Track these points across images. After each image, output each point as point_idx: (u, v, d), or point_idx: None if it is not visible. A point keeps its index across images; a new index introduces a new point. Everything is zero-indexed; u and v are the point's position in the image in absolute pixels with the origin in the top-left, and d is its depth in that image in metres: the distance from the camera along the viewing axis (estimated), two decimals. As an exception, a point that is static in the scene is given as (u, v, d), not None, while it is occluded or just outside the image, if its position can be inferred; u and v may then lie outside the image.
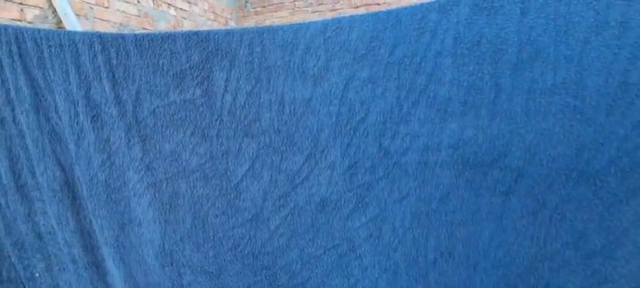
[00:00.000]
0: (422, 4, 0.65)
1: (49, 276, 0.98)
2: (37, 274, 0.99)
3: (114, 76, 0.81)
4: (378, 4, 3.84)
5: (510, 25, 0.62)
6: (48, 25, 2.27)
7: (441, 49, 0.65)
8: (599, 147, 0.63)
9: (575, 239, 0.67)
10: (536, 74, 0.62)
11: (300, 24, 0.71)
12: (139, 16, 3.07)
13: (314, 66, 0.71)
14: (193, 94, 0.79)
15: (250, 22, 4.38)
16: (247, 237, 0.81)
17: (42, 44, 0.84)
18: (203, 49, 0.77)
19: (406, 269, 0.73)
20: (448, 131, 0.67)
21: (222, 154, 0.79)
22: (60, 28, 2.31)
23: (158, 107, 0.81)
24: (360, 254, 0.75)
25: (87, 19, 2.57)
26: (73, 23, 2.27)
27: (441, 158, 0.68)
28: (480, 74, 0.64)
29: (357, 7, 3.93)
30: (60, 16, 2.29)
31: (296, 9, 4.19)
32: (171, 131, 0.81)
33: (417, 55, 0.66)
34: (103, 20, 2.70)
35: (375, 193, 0.73)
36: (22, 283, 1.00)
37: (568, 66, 0.61)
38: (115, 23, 2.81)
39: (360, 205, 0.74)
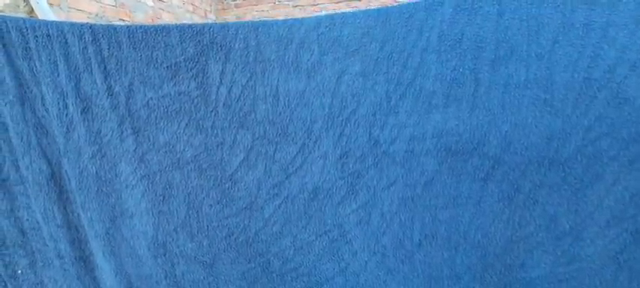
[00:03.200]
0: (409, 3, 0.69)
1: (33, 273, 0.96)
2: (20, 272, 0.97)
3: (106, 68, 0.81)
4: (359, -1, 3.90)
5: (488, 24, 0.68)
6: (20, 15, 2.18)
7: (426, 46, 0.70)
8: (566, 137, 0.70)
9: (546, 222, 0.73)
10: (511, 70, 0.68)
11: (294, 19, 0.74)
12: (115, 6, 2.99)
13: (308, 60, 0.75)
14: (188, 87, 0.80)
15: (230, 15, 4.33)
16: (241, 226, 0.83)
17: (28, 35, 0.82)
18: (198, 42, 0.79)
19: (393, 251, 0.78)
20: (432, 122, 0.72)
21: (217, 146, 0.81)
22: (32, 17, 2.23)
23: (152, 99, 0.81)
24: (350, 239, 0.79)
25: (60, 8, 2.48)
26: (45, 12, 2.20)
27: (425, 147, 0.73)
28: (461, 69, 0.70)
29: (338, 2, 3.97)
30: (32, 4, 2.20)
31: (277, 3, 4.18)
32: (166, 123, 0.82)
33: (405, 51, 0.71)
34: (78, 10, 2.62)
35: (364, 181, 0.77)
36: (3, 281, 0.97)
37: (539, 63, 0.67)
38: (90, 13, 2.73)
39: (350, 192, 0.78)
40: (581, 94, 0.67)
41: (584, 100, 0.67)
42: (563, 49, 0.66)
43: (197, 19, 3.96)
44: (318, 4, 4.03)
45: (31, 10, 2.30)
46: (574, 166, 0.70)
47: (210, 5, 4.29)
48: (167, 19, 3.53)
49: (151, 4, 3.35)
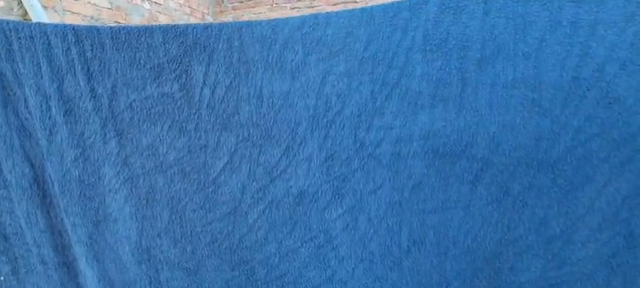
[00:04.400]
0: (394, 3, 0.68)
1: (15, 279, 0.94)
2: (2, 278, 0.95)
3: (89, 70, 0.80)
4: (356, 2, 3.90)
5: (474, 23, 0.66)
6: (13, 18, 2.19)
7: (411, 45, 0.69)
8: (556, 137, 0.68)
9: (536, 224, 0.71)
10: (498, 69, 0.67)
11: (278, 19, 0.73)
12: (110, 8, 2.99)
13: (292, 60, 0.73)
14: (171, 88, 0.79)
15: (227, 18, 4.33)
16: (225, 231, 0.81)
17: (11, 36, 0.82)
18: (181, 43, 0.77)
19: (381, 258, 0.76)
20: (419, 123, 0.71)
21: (201, 148, 0.79)
22: (26, 19, 2.23)
23: (135, 101, 0.80)
24: (336, 245, 0.77)
25: (55, 11, 2.48)
26: (39, 15, 2.20)
27: (412, 149, 0.71)
28: (447, 69, 0.68)
29: (336, 5, 3.97)
30: (26, 7, 2.21)
31: (274, 5, 4.18)
32: (149, 125, 0.80)
33: (390, 51, 0.70)
34: (73, 13, 2.62)
35: (351, 185, 0.75)
36: (-15, 287, 0.95)
37: (526, 62, 0.66)
38: (85, 16, 2.73)
39: (336, 196, 0.76)
40: (570, 94, 0.66)
41: (573, 99, 0.66)
42: (550, 48, 0.65)
43: (194, 22, 3.97)
44: (315, 7, 4.03)
45: (25, 13, 2.30)
46: (564, 168, 0.68)
47: (208, 8, 4.29)
48: (164, 21, 3.53)
49: (148, 6, 3.36)
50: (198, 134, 0.79)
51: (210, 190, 0.80)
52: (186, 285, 0.84)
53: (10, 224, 0.89)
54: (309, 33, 0.72)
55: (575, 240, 0.71)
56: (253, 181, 0.78)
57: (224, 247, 0.82)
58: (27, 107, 0.84)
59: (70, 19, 2.57)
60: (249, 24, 0.75)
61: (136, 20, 3.23)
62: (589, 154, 0.68)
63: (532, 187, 0.69)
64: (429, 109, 0.70)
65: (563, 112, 0.66)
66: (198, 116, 0.78)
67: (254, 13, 4.22)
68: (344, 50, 0.71)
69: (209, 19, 4.32)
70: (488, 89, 0.67)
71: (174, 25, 0.78)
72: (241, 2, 4.29)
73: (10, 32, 0.82)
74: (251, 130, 0.77)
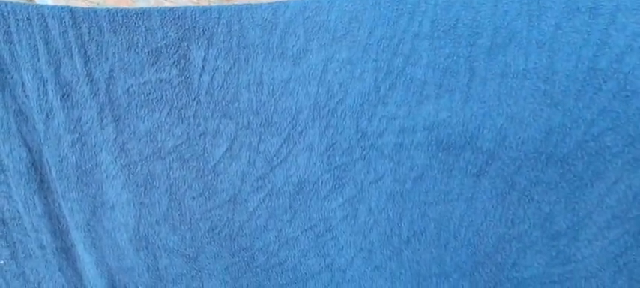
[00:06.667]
0: (401, -14, 0.65)
1: (15, 263, 0.94)
2: (2, 262, 0.96)
3: (86, 53, 0.78)
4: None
5: (486, 8, 0.63)
6: (19, 0, 2.16)
7: (418, 31, 0.66)
8: (567, 131, 0.65)
9: (541, 220, 0.69)
10: (509, 58, 0.64)
11: (280, 2, 0.70)
12: None
13: (293, 46, 0.71)
14: (169, 73, 0.77)
15: (235, 3, 4.26)
16: (225, 219, 0.80)
17: (9, 18, 0.79)
18: (180, 27, 0.75)
19: (381, 248, 0.75)
20: (424, 113, 0.68)
21: (200, 135, 0.78)
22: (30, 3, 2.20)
23: (132, 86, 0.78)
24: (336, 234, 0.76)
25: (61, -4, 2.45)
26: None
27: (416, 140, 0.69)
28: (455, 57, 0.65)
29: None
30: (32, -8, 2.18)
31: None
32: (147, 111, 0.79)
33: (395, 37, 0.67)
34: (79, -2, 2.59)
35: (351, 175, 0.73)
36: (-14, 271, 0.96)
37: (539, 51, 0.62)
38: (91, 1, 2.70)
39: (337, 186, 0.74)
40: (585, 85, 0.63)
41: (588, 91, 0.63)
42: (566, 36, 0.62)
43: (198, 7, 3.89)
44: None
45: (29, -4, 2.27)
46: (574, 163, 0.66)
47: (214, -6, 4.22)
48: (168, 7, 3.47)
49: (153, -8, 3.30)
50: (197, 121, 0.77)
51: (210, 177, 0.79)
52: (185, 271, 0.84)
53: (8, 209, 0.89)
54: (312, 17, 0.69)
55: (581, 237, 0.69)
56: (253, 169, 0.77)
57: (224, 234, 0.81)
58: (24, 91, 0.82)
59: (75, 4, 2.53)
60: (249, 7, 0.72)
61: (141, 5, 3.19)
62: (601, 149, 0.65)
63: (539, 181, 0.67)
64: (434, 98, 0.67)
65: (576, 105, 0.63)
66: (196, 103, 0.77)
67: (262, 1, 4.13)
68: (347, 36, 0.68)
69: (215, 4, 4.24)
70: (498, 79, 0.65)
71: (173, 7, 0.76)
72: (247, -13, 4.20)
73: (8, 14, 0.79)
74: (251, 118, 0.75)
